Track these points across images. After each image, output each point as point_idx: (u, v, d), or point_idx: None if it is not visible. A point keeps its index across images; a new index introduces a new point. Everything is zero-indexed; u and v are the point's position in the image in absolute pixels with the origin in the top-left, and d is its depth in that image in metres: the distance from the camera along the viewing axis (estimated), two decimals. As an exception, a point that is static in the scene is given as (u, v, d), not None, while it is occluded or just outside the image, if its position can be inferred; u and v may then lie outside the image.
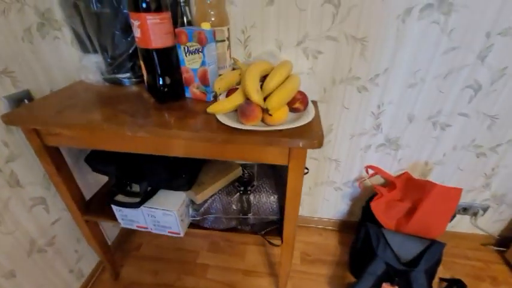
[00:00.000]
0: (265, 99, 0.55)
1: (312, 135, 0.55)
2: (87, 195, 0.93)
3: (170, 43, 0.62)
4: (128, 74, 0.80)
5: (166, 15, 0.59)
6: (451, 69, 0.82)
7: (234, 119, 0.57)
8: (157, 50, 0.61)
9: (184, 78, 0.68)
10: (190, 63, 0.65)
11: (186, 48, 0.63)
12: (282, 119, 0.56)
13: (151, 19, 0.57)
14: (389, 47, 0.80)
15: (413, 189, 0.99)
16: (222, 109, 0.56)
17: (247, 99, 0.54)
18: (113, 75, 0.80)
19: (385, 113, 0.93)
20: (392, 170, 1.08)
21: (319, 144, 0.54)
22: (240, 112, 0.54)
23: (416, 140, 0.98)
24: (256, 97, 0.52)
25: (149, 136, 0.59)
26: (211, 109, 0.57)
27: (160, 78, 0.65)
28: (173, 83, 0.67)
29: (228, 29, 0.70)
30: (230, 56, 0.75)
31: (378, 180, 1.12)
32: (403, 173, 1.06)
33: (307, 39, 0.82)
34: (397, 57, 0.82)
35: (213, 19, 0.67)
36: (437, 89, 0.86)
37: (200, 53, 0.62)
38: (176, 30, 0.61)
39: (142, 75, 0.68)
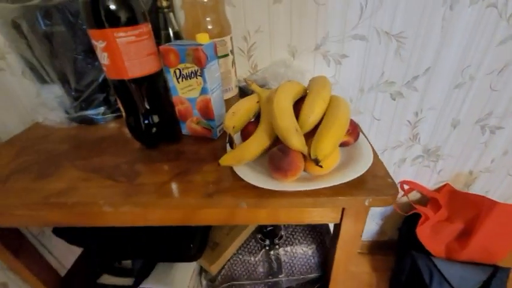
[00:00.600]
0: (305, 137, 0.37)
1: (377, 185, 0.38)
2: (66, 264, 0.73)
3: (155, 68, 0.43)
4: (101, 109, 0.60)
5: (146, 28, 0.40)
6: (508, 62, 0.66)
7: (261, 171, 0.39)
8: (137, 81, 0.42)
9: (179, 111, 0.50)
10: (185, 92, 0.46)
11: (177, 71, 0.44)
12: (332, 166, 0.38)
13: (123, 37, 0.38)
14: (432, 42, 0.64)
15: (463, 206, 0.83)
16: (241, 161, 0.38)
17: (282, 145, 0.36)
18: (81, 112, 0.60)
19: (424, 120, 0.77)
20: (431, 183, 0.92)
21: (394, 199, 0.37)
22: (273, 165, 0.36)
23: (460, 148, 0.82)
24: (297, 142, 0.35)
25: (138, 209, 0.40)
26: (225, 162, 0.39)
27: (146, 119, 0.46)
28: (163, 119, 0.48)
29: (231, 39, 0.52)
30: (236, 74, 0.56)
31: (414, 195, 0.96)
32: (444, 185, 0.91)
33: (327, 41, 0.65)
34: (442, 53, 0.65)
35: (210, 27, 0.48)
36: (490, 87, 0.70)
37: (199, 77, 0.44)
38: (161, 48, 0.43)
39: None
